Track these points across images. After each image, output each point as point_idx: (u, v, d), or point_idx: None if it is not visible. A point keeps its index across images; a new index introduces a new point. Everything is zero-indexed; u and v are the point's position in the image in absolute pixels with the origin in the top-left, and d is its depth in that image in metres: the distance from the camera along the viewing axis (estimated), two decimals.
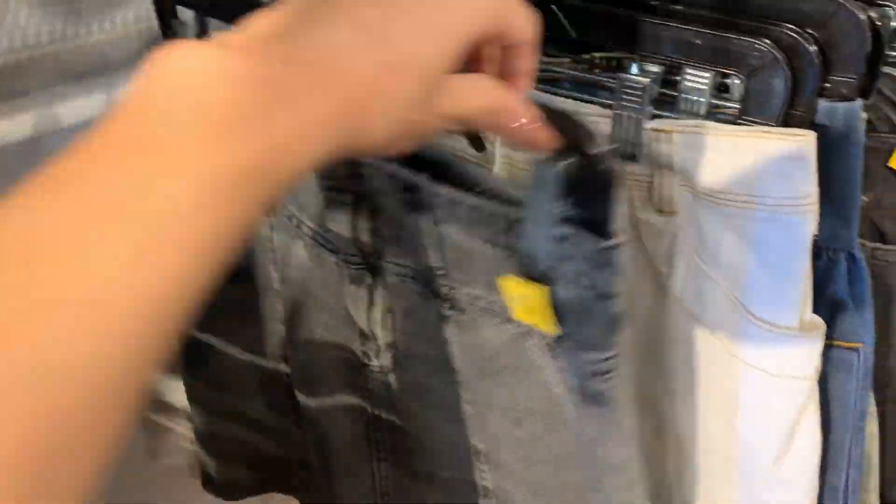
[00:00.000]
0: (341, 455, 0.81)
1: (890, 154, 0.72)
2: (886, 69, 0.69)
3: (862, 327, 0.65)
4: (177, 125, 0.31)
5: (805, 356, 0.60)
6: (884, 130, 0.73)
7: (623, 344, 0.56)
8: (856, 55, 0.57)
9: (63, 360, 0.27)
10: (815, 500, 0.66)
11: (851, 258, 0.64)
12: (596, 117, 0.60)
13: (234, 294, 0.80)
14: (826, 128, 0.58)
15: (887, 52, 0.62)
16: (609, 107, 0.60)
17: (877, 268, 0.81)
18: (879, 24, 0.58)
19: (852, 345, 0.65)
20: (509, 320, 0.59)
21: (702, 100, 0.59)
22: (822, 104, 0.58)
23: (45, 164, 0.30)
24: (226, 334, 0.87)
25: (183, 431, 1.04)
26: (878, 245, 0.80)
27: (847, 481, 0.69)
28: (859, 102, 0.58)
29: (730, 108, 0.60)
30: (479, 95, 0.42)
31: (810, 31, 0.57)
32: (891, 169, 0.73)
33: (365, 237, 0.66)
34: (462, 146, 0.61)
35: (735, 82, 0.60)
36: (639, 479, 0.63)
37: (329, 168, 0.62)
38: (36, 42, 0.80)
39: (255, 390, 0.89)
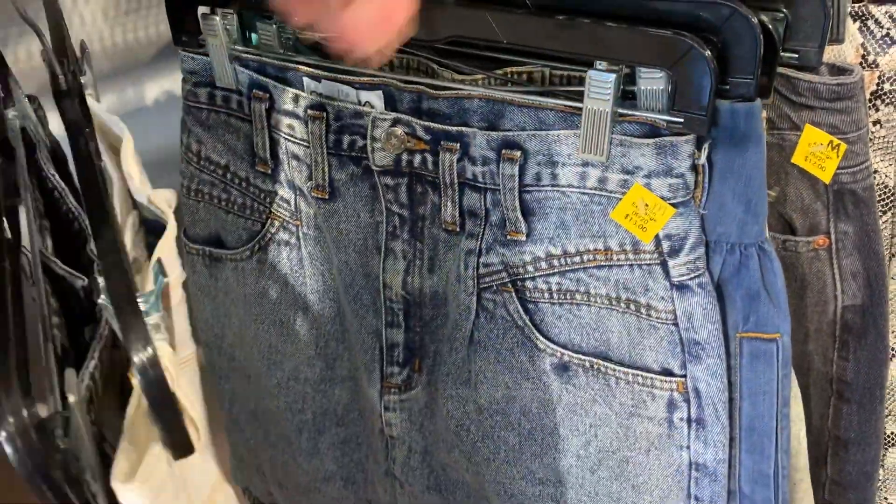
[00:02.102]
0: None
1: (792, 150, 0.75)
2: (784, 70, 0.73)
3: (778, 317, 0.66)
4: None
5: None
6: (784, 128, 0.76)
7: None
8: (751, 57, 0.59)
9: None
10: None
11: (763, 251, 0.65)
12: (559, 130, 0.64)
13: None
14: (729, 128, 0.61)
15: (782, 54, 0.66)
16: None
17: (789, 258, 0.85)
18: (771, 26, 0.62)
19: (771, 335, 0.67)
20: None
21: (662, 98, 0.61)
22: (724, 105, 0.60)
23: None
24: None
25: None
26: (789, 237, 0.83)
27: (777, 467, 0.70)
28: (758, 102, 0.61)
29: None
30: None
31: (707, 35, 0.59)
32: (794, 165, 0.76)
33: None
34: None
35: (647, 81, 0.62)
36: None
37: None
38: None
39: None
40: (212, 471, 0.60)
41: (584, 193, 0.65)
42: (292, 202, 0.77)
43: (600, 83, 0.60)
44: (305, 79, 0.72)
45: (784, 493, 0.72)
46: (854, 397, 0.87)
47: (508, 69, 0.69)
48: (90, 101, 0.68)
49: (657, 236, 0.63)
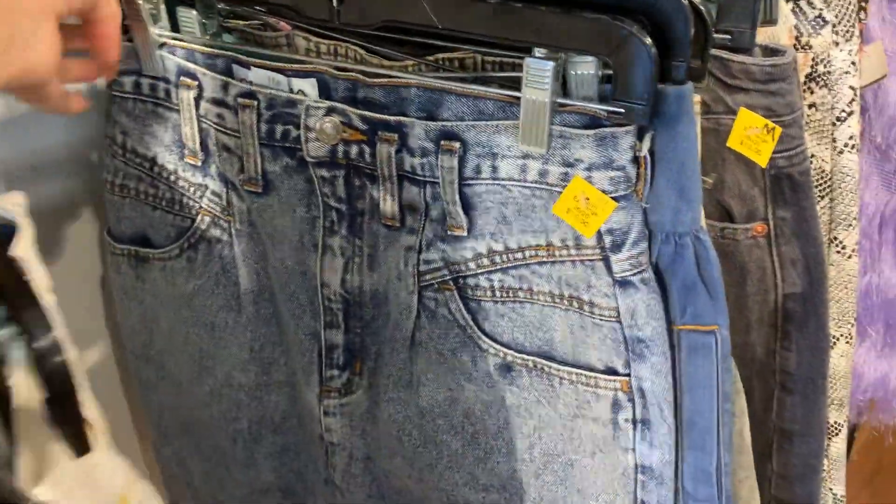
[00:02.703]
0: None
1: (727, 134, 0.73)
2: (717, 52, 0.71)
3: (715, 309, 0.64)
4: None
5: None
6: (720, 111, 0.74)
7: None
8: (682, 39, 0.57)
9: None
10: None
11: (698, 241, 0.63)
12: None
13: None
14: (659, 112, 0.59)
15: (715, 35, 0.64)
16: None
17: (727, 246, 0.83)
18: (703, 8, 0.59)
19: (709, 327, 0.65)
20: None
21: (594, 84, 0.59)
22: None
23: None
24: None
25: None
26: (727, 224, 0.81)
27: (719, 463, 0.68)
28: (689, 85, 0.59)
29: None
30: None
31: (637, 17, 0.57)
32: (730, 149, 0.74)
33: None
34: None
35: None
36: None
37: None
38: None
39: None
40: (121, 471, 0.58)
41: (525, 187, 0.62)
42: (224, 196, 0.74)
43: (538, 71, 0.57)
44: (235, 66, 0.69)
45: (728, 490, 0.70)
46: (797, 388, 0.86)
47: (439, 55, 0.67)
48: None
49: (599, 231, 0.61)
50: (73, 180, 0.86)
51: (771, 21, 0.70)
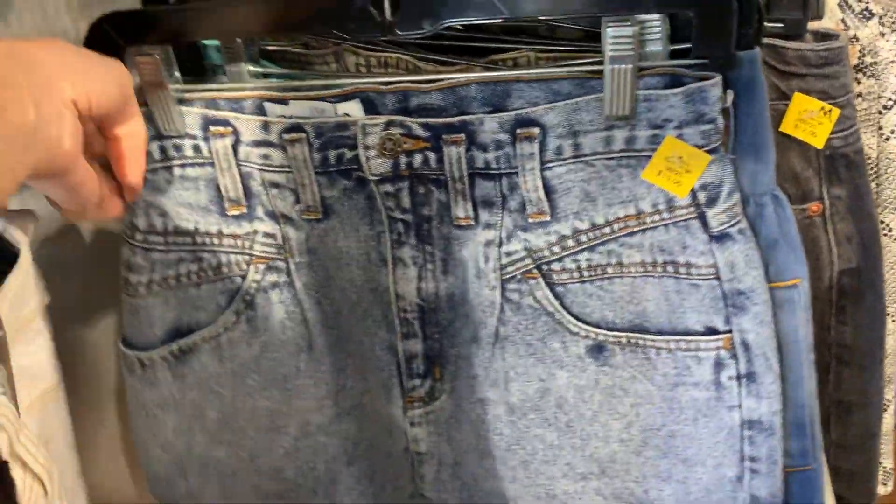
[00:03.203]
0: None
1: (780, 120, 0.78)
2: (770, 40, 0.75)
3: (796, 263, 0.67)
4: None
5: None
6: (772, 98, 0.77)
7: None
8: (749, 6, 0.60)
9: None
10: None
11: (775, 199, 0.66)
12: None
13: None
14: (733, 77, 0.62)
15: (767, 24, 0.69)
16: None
17: None
18: None
19: (791, 282, 0.67)
20: None
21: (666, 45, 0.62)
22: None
23: None
24: None
25: None
26: None
27: (809, 415, 0.71)
28: (758, 49, 0.62)
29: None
30: None
31: None
32: (783, 134, 0.78)
33: None
34: None
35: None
36: None
37: None
38: None
39: None
40: None
41: (610, 158, 0.64)
42: (278, 234, 0.71)
43: (619, 37, 0.59)
44: (267, 104, 0.67)
45: (818, 441, 0.72)
46: (854, 360, 0.90)
47: (493, 56, 0.68)
48: None
49: (693, 189, 0.63)
50: None
51: (818, 16, 0.74)
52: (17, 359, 0.57)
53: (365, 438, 0.80)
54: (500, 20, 0.62)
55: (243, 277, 0.73)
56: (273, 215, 0.71)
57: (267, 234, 0.72)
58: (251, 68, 0.71)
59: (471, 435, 0.76)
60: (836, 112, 0.75)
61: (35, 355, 0.61)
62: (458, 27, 0.75)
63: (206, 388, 0.75)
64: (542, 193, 0.66)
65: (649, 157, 0.63)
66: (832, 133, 0.78)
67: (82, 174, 0.55)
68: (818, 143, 0.76)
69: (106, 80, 0.56)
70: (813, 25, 0.77)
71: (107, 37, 0.63)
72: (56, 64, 0.52)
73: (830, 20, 0.81)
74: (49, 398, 0.63)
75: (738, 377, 0.67)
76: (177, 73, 0.67)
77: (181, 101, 0.67)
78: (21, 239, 0.58)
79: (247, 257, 0.72)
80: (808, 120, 0.74)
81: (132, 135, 0.60)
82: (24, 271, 0.57)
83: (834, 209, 0.83)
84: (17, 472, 0.48)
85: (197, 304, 0.73)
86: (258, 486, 0.80)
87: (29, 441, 0.50)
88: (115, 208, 0.63)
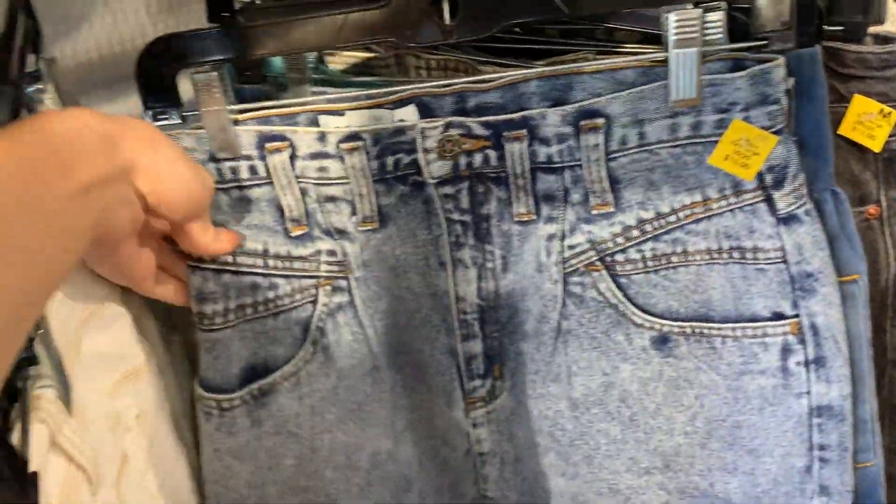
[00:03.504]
0: None
1: (838, 122, 0.78)
2: (829, 44, 0.74)
3: (856, 259, 0.68)
4: None
5: None
6: (831, 100, 0.77)
7: None
8: (811, 5, 0.63)
9: None
10: None
11: (835, 195, 0.68)
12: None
13: None
14: (795, 75, 0.64)
15: (827, 28, 0.70)
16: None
17: None
18: None
19: (851, 277, 0.68)
20: None
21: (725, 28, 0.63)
22: (789, 53, 0.63)
23: None
24: None
25: None
26: None
27: (870, 411, 0.71)
28: (818, 47, 0.64)
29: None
30: None
31: None
32: (840, 136, 0.78)
33: None
34: None
35: None
36: None
37: None
38: None
39: None
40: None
41: (675, 146, 0.65)
42: (338, 251, 0.70)
43: (683, 22, 0.61)
44: (322, 117, 0.67)
45: (878, 437, 0.72)
46: None
47: (549, 59, 0.70)
48: (47, 108, 0.63)
49: (760, 171, 0.64)
50: None
51: (879, 20, 0.74)
52: (89, 347, 0.58)
53: (418, 458, 0.78)
54: (559, 19, 0.65)
55: (313, 303, 0.71)
56: (329, 232, 0.70)
57: (329, 252, 0.70)
58: (313, 76, 0.72)
59: (532, 431, 0.76)
60: (895, 114, 0.76)
61: (114, 340, 0.62)
62: (517, 31, 0.77)
63: (283, 431, 0.72)
64: (606, 184, 0.67)
65: (715, 141, 0.64)
66: (890, 136, 0.79)
67: (130, 254, 0.59)
68: (876, 146, 0.76)
69: (182, 189, 0.58)
70: (874, 29, 0.78)
71: (159, 60, 0.64)
72: (140, 154, 0.54)
73: (892, 24, 0.82)
74: (136, 378, 0.64)
75: (807, 362, 0.67)
76: (231, 94, 0.66)
77: (236, 123, 0.66)
78: None
79: (314, 280, 0.70)
80: (867, 122, 0.75)
81: (199, 230, 0.63)
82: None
83: (892, 211, 0.83)
84: (59, 463, 0.49)
85: (274, 336, 0.70)
86: None
87: (73, 433, 0.51)
88: (171, 293, 0.66)
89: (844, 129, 0.77)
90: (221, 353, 0.69)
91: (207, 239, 0.64)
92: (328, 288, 0.71)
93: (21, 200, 0.40)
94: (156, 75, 0.64)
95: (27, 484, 0.42)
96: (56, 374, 0.50)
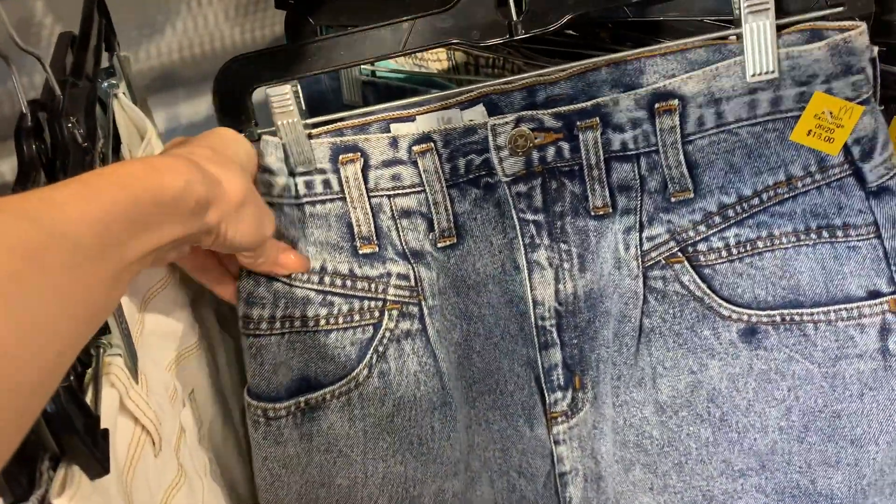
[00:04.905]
0: None
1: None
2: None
3: None
4: None
5: None
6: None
7: None
8: None
9: None
10: None
11: None
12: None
13: None
14: None
15: None
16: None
17: None
18: None
19: None
20: None
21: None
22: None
23: None
24: None
25: None
26: None
27: None
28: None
29: None
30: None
31: None
32: None
33: None
34: None
35: None
36: None
37: None
38: None
39: None
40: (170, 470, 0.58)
41: (755, 124, 0.63)
42: (411, 275, 0.67)
43: None
44: (393, 125, 0.65)
45: None
46: None
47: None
48: (121, 102, 0.66)
49: (845, 144, 0.61)
50: None
51: None
52: (151, 325, 0.61)
53: (499, 494, 0.75)
54: (618, 12, 0.63)
55: (376, 326, 0.68)
56: (404, 255, 0.67)
57: (400, 276, 0.67)
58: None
59: (616, 445, 0.73)
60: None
61: (173, 320, 0.64)
62: (568, 33, 0.76)
63: (334, 450, 0.69)
64: (684, 169, 0.65)
65: (797, 117, 0.62)
66: None
67: (185, 255, 0.60)
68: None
69: (250, 235, 0.57)
70: None
71: (233, 79, 0.64)
72: (226, 214, 0.54)
73: None
74: (188, 357, 0.66)
75: None
76: (304, 108, 0.65)
77: (310, 136, 0.65)
78: None
79: (380, 302, 0.67)
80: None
81: (261, 258, 0.63)
82: None
83: None
84: (126, 424, 0.52)
85: (325, 353, 0.67)
86: None
87: (139, 397, 0.53)
88: (230, 293, 0.66)
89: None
90: (267, 360, 0.66)
91: (267, 265, 0.64)
92: (395, 312, 0.68)
93: (89, 255, 0.39)
94: (230, 94, 0.65)
95: (98, 439, 0.45)
96: (125, 345, 0.53)
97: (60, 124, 0.53)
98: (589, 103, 0.64)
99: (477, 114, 0.65)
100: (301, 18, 0.71)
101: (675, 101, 0.63)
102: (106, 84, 0.65)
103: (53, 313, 0.35)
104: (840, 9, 0.60)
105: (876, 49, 0.61)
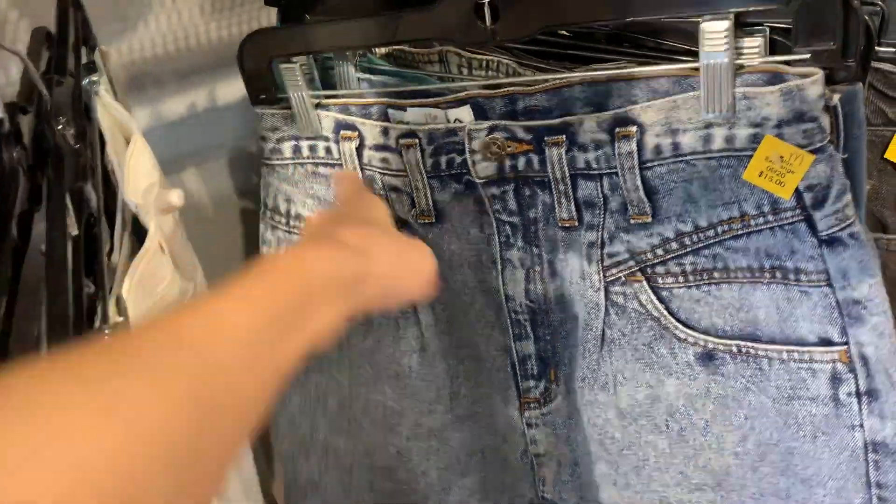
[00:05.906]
0: None
1: (885, 146, 0.74)
2: (878, 65, 0.72)
3: None
4: None
5: None
6: (878, 123, 0.74)
7: None
8: (852, 39, 0.57)
9: None
10: None
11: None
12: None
13: None
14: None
15: (879, 49, 0.66)
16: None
17: (879, 256, 0.84)
18: (867, 18, 0.59)
19: None
20: None
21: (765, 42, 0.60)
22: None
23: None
24: None
25: None
26: (880, 235, 0.81)
27: None
28: (860, 85, 0.59)
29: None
30: None
31: None
32: (887, 160, 0.74)
33: None
34: None
35: None
36: None
37: None
38: None
39: None
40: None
41: (710, 158, 0.61)
42: None
43: (715, 33, 0.57)
44: (390, 110, 0.72)
45: None
46: None
47: (593, 66, 0.68)
48: (103, 101, 0.66)
49: (797, 190, 0.59)
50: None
51: None
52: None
53: (480, 448, 0.81)
54: (597, 25, 0.63)
55: None
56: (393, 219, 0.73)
57: None
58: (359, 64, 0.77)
59: (586, 437, 0.76)
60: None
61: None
62: (563, 33, 0.77)
63: (326, 373, 0.79)
64: (642, 194, 0.65)
65: (750, 156, 0.60)
66: None
67: None
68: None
69: (405, 292, 0.60)
70: None
71: (255, 49, 0.72)
72: (378, 292, 0.56)
73: None
74: None
75: (858, 394, 0.63)
76: (316, 81, 0.74)
77: (318, 106, 0.74)
78: (152, 215, 0.63)
79: None
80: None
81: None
82: (150, 251, 0.62)
83: None
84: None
85: None
86: (372, 482, 0.83)
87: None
88: None
89: (891, 154, 0.74)
90: None
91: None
92: None
93: (243, 360, 0.40)
94: (253, 62, 0.73)
95: None
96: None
97: (50, 126, 0.54)
98: (558, 121, 0.65)
99: (463, 113, 0.69)
100: (296, 14, 0.77)
101: (634, 128, 0.63)
102: (87, 81, 0.65)
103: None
104: (804, 57, 0.57)
105: (836, 97, 0.58)
